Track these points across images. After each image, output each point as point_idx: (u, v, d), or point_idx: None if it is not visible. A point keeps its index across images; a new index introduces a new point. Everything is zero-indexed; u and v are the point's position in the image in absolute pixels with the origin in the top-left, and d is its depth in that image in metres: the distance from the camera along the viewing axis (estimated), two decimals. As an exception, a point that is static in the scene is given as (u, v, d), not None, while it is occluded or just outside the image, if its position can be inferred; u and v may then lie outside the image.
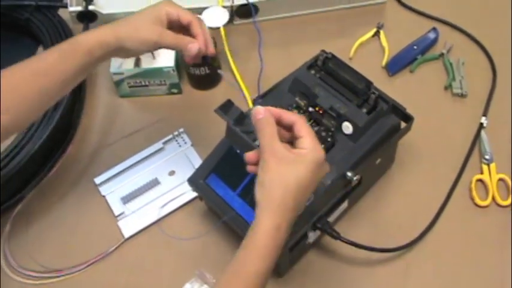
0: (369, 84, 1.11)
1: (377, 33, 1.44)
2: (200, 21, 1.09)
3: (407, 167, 1.26)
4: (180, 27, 1.08)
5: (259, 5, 1.42)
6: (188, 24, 1.07)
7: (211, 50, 1.09)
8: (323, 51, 1.15)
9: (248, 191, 1.08)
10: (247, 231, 0.88)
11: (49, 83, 1.00)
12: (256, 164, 0.91)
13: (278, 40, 1.45)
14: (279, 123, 0.91)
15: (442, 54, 1.39)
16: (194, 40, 1.07)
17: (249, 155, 0.92)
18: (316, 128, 1.10)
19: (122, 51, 1.04)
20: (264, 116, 0.89)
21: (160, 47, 1.07)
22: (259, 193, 0.88)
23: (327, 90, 1.12)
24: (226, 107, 1.02)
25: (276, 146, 0.88)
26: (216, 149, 1.13)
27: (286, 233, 0.87)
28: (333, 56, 1.15)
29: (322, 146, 1.06)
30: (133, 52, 1.07)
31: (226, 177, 1.10)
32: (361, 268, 1.15)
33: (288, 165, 0.87)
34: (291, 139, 0.92)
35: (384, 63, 1.39)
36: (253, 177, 1.06)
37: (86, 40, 1.01)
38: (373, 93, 1.09)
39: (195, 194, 1.22)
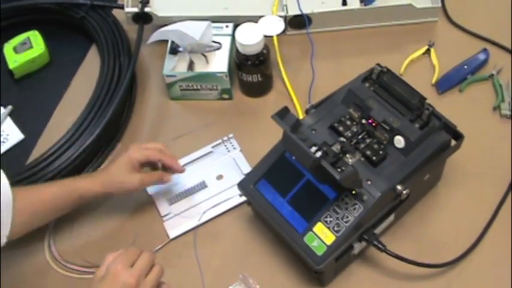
0: (422, 100, 1.11)
1: (428, 51, 1.44)
2: (166, 151, 1.24)
3: (453, 185, 1.25)
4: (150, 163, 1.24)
5: (312, 16, 1.43)
6: (159, 161, 1.23)
7: (180, 169, 1.25)
8: (378, 64, 1.16)
9: (298, 198, 1.09)
10: None
11: (43, 208, 1.17)
12: None
13: (329, 52, 1.46)
14: None
15: (491, 75, 1.39)
16: (165, 173, 1.24)
17: None
18: (368, 141, 1.10)
19: (109, 195, 1.23)
20: None
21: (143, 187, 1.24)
22: None
23: (381, 104, 1.13)
24: (283, 114, 1.03)
25: None
26: (268, 155, 1.14)
27: None
28: (388, 70, 1.16)
29: (374, 158, 1.08)
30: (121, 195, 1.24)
31: (277, 184, 1.11)
32: (403, 282, 1.15)
33: None
34: None
35: (433, 81, 1.39)
36: (304, 184, 1.09)
37: (81, 187, 1.19)
38: (427, 109, 1.10)
39: (241, 199, 1.23)
